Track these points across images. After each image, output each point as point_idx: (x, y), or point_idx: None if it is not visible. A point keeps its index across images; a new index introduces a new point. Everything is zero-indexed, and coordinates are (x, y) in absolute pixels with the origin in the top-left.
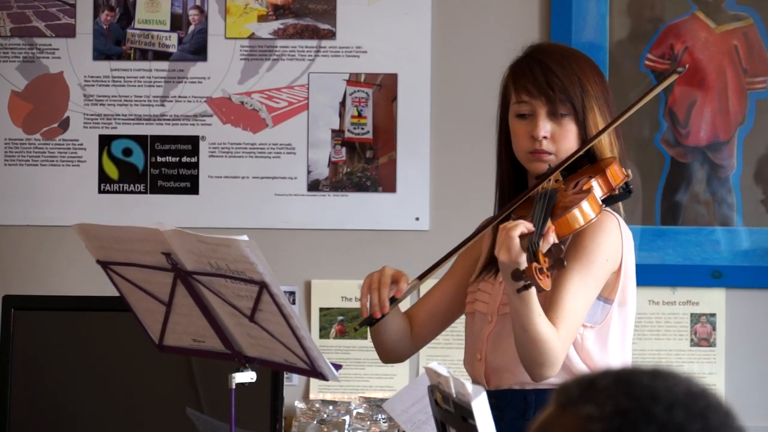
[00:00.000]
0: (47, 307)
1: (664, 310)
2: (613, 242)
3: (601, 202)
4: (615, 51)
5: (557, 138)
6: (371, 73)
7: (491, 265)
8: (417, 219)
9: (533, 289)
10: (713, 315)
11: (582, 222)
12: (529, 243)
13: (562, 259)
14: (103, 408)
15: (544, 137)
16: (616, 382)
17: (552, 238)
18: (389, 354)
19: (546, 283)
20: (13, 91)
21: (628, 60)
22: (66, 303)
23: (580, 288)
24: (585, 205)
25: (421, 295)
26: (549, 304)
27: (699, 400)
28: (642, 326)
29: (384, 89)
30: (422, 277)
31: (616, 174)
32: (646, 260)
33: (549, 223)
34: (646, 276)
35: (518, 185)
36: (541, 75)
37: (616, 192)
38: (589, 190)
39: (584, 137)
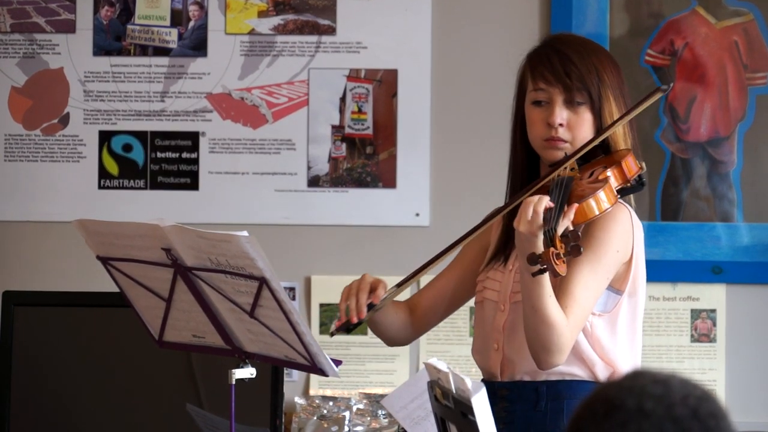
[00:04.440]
0: (47, 303)
1: (665, 305)
2: (624, 233)
3: (616, 193)
4: (615, 46)
5: (573, 126)
6: (371, 68)
7: (500, 253)
8: (417, 215)
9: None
10: (713, 311)
11: (597, 211)
12: (547, 227)
13: (579, 245)
14: (103, 404)
15: (560, 125)
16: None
17: (568, 223)
18: (390, 341)
19: (562, 268)
20: (13, 87)
21: (629, 55)
22: (66, 299)
23: (590, 278)
24: (601, 194)
25: (422, 285)
26: (559, 292)
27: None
28: (642, 322)
29: (384, 85)
30: (401, 285)
31: (631, 166)
32: (647, 256)
33: (566, 208)
34: (647, 272)
35: (530, 174)
36: (559, 63)
37: (630, 184)
38: (606, 180)
39: (600, 126)
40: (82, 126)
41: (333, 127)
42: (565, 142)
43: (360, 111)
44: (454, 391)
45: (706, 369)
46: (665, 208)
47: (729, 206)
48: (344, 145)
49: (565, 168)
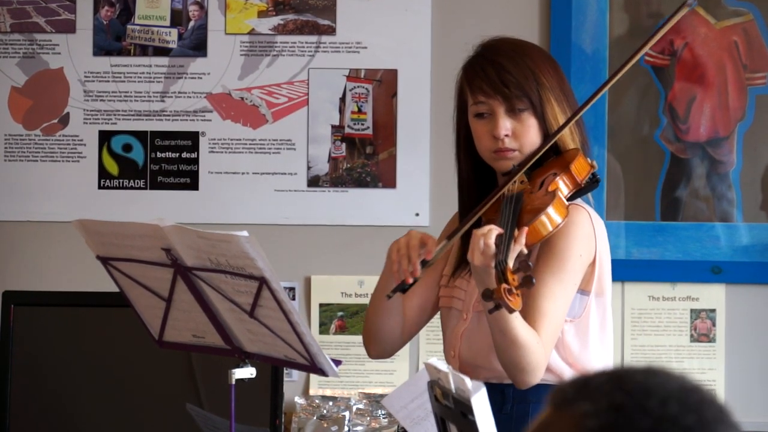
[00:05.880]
0: (47, 303)
1: (664, 305)
2: (586, 236)
3: (566, 202)
4: (615, 46)
5: (519, 134)
6: (371, 68)
7: (465, 263)
8: (417, 214)
9: None
10: (713, 311)
11: (549, 228)
12: (497, 262)
13: (530, 276)
14: (103, 404)
15: (506, 135)
16: (610, 379)
17: (521, 247)
18: (380, 344)
19: (516, 303)
20: (13, 87)
21: (628, 56)
22: (66, 299)
23: (557, 289)
24: (551, 210)
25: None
26: (528, 308)
27: (692, 395)
28: (642, 322)
29: (384, 85)
30: (451, 237)
31: (582, 168)
32: (646, 256)
33: (516, 233)
34: (646, 272)
35: (486, 184)
36: (495, 74)
37: (583, 185)
38: (555, 193)
39: (545, 129)
40: (82, 126)
41: (333, 127)
42: (514, 150)
43: (360, 111)
44: (454, 391)
45: (706, 369)
46: (665, 208)
47: (728, 206)
48: (344, 145)
49: (515, 182)
